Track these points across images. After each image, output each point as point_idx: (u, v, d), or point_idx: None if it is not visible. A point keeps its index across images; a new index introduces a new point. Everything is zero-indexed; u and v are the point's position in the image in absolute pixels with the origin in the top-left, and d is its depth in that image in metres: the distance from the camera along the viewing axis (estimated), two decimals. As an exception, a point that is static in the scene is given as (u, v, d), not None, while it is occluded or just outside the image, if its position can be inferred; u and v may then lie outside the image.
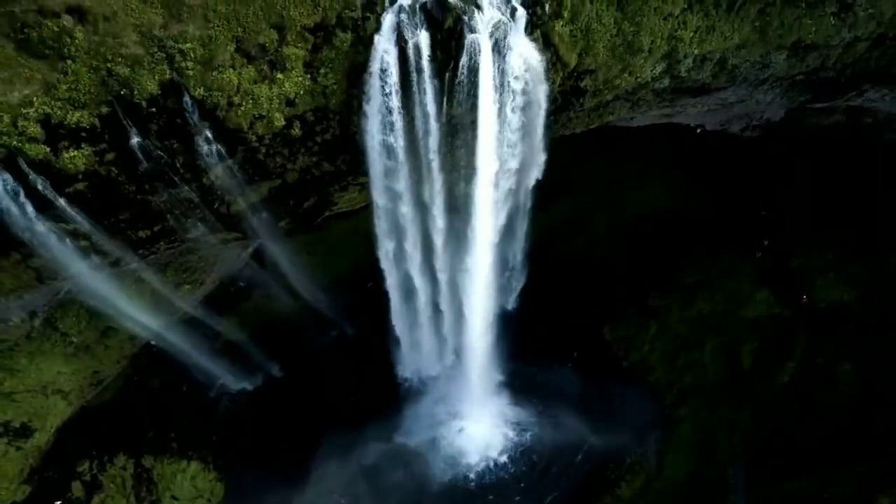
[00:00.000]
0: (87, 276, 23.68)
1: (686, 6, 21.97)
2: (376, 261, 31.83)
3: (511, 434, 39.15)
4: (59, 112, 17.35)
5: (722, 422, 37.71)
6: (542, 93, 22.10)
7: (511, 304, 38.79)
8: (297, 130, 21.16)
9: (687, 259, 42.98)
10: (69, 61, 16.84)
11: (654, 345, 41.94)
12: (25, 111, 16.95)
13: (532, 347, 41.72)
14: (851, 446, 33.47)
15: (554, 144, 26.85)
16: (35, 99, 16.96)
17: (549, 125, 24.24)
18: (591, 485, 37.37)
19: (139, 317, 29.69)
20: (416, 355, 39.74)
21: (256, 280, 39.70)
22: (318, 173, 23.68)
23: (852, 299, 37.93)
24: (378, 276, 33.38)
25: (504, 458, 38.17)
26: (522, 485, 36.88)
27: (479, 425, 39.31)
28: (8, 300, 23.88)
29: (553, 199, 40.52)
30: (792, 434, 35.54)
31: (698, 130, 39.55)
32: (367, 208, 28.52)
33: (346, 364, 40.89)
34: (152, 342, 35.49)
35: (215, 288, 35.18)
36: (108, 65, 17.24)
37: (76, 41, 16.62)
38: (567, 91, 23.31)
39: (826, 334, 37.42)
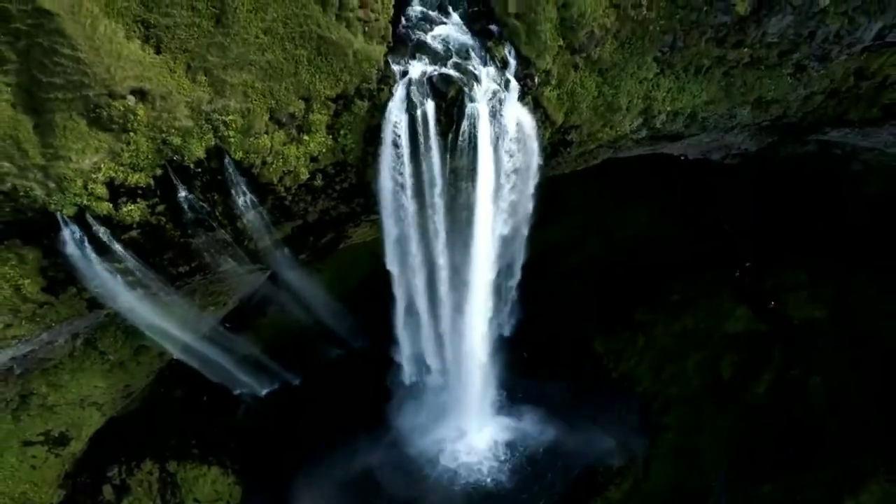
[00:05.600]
0: (130, 304, 26.76)
1: (659, 71, 25.09)
2: (382, 278, 34.69)
3: (506, 441, 41.96)
4: (121, 175, 20.47)
5: (704, 429, 40.51)
6: (533, 145, 25.22)
7: (508, 324, 41.70)
8: (319, 181, 24.28)
9: (672, 278, 45.87)
10: (131, 133, 19.96)
11: (642, 357, 44.72)
12: (94, 175, 20.07)
13: (527, 359, 44.71)
14: (821, 453, 36.45)
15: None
16: (102, 165, 20.06)
17: (541, 170, 27.28)
18: (582, 488, 40.13)
19: (171, 334, 32.64)
20: (419, 369, 42.72)
21: (271, 297, 42.66)
22: (335, 214, 26.79)
23: (824, 317, 40.90)
24: (387, 297, 36.31)
25: (499, 464, 41.01)
26: (516, 488, 39.84)
27: (476, 433, 42.17)
28: (61, 326, 26.95)
29: (548, 221, 43.46)
30: (768, 441, 38.34)
31: (682, 158, 42.51)
32: (376, 238, 31.59)
33: (355, 376, 43.72)
34: (174, 357, 38.29)
35: (235, 308, 38.21)
36: (164, 135, 20.36)
37: (138, 117, 19.73)
38: (556, 142, 26.44)
39: (799, 349, 40.39)
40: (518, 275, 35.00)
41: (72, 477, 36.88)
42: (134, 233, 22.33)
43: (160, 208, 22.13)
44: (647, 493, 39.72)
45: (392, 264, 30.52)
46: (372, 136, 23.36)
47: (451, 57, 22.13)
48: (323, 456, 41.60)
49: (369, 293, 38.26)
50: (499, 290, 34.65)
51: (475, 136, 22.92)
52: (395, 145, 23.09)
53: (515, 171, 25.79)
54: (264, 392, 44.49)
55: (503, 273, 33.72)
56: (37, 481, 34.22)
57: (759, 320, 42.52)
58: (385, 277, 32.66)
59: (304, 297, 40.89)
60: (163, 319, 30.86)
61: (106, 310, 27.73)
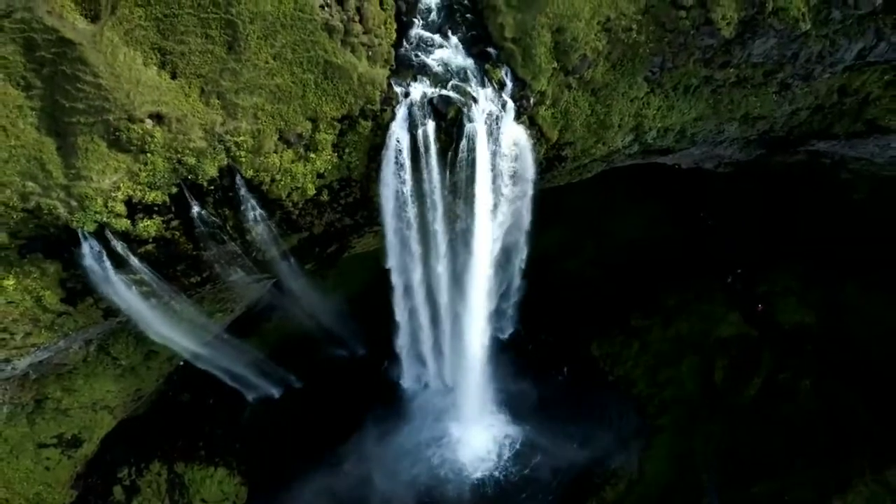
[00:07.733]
0: (143, 312, 27.94)
1: (649, 90, 26.26)
2: (384, 285, 35.76)
3: (504, 442, 43.05)
4: (139, 193, 21.68)
5: (697, 431, 41.58)
6: (529, 161, 26.41)
7: (507, 329, 42.81)
8: (325, 196, 25.48)
9: (666, 283, 46.88)
10: (149, 154, 21.17)
11: (637, 361, 45.75)
12: (114, 194, 21.27)
13: (525, 362, 45.75)
14: (810, 454, 37.57)
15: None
16: (121, 184, 21.26)
17: (536, 183, 28.43)
18: (579, 489, 41.24)
19: (180, 340, 33.77)
20: (418, 373, 43.84)
21: (277, 304, 43.76)
22: (340, 226, 27.97)
23: (813, 322, 42.00)
24: (389, 303, 37.36)
25: (496, 465, 42.14)
26: (513, 489, 40.94)
27: (476, 435, 43.23)
28: (76, 334, 28.12)
29: (545, 227, 44.55)
30: (758, 442, 39.46)
31: (675, 167, 43.60)
32: (378, 248, 32.69)
33: (357, 379, 44.81)
34: (182, 361, 39.37)
35: (242, 314, 39.34)
36: (179, 156, 21.56)
37: (155, 139, 20.92)
38: (551, 158, 27.61)
39: (789, 353, 41.49)
40: (517, 282, 36.14)
41: (83, 478, 38.03)
42: (149, 246, 23.53)
43: (174, 223, 23.32)
44: (642, 493, 40.79)
45: (394, 273, 31.64)
46: (375, 153, 24.56)
47: (450, 79, 23.32)
48: (324, 456, 42.73)
49: (372, 300, 39.37)
50: (498, 296, 35.74)
51: (473, 154, 24.11)
52: (398, 162, 24.27)
53: (512, 185, 26.95)
54: (277, 394, 45.41)
55: (502, 280, 34.83)
56: (50, 482, 35.35)
57: (751, 325, 43.60)
58: (387, 284, 33.70)
59: (308, 303, 41.97)
60: (173, 327, 32.04)
61: (119, 317, 28.91)
